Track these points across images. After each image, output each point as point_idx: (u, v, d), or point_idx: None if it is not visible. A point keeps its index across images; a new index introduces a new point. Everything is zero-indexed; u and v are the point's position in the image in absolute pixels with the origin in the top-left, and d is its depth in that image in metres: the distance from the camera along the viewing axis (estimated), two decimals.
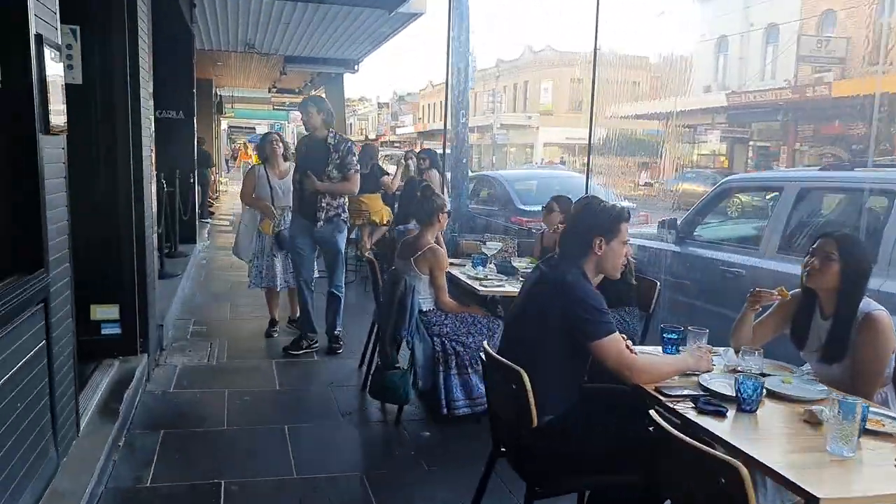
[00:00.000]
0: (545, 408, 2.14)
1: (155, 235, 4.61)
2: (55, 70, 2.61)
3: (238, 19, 9.45)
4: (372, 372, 3.91)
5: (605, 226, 2.26)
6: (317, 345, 4.88)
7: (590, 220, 2.28)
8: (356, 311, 6.12)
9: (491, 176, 8.79)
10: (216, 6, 8.71)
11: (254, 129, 39.37)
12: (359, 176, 4.78)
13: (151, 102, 4.70)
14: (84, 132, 3.74)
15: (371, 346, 4.36)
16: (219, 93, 20.46)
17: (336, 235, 4.79)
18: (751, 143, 25.91)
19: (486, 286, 3.82)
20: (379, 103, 62.09)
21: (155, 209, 4.68)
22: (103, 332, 3.84)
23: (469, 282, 3.93)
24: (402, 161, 8.42)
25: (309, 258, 4.89)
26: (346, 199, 4.89)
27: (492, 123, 38.02)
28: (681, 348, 2.52)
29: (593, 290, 2.18)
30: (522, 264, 3.92)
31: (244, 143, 34.35)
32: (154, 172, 4.63)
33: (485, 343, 2.39)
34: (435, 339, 3.69)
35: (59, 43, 2.69)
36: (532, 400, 2.07)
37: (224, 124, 27.42)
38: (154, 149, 4.68)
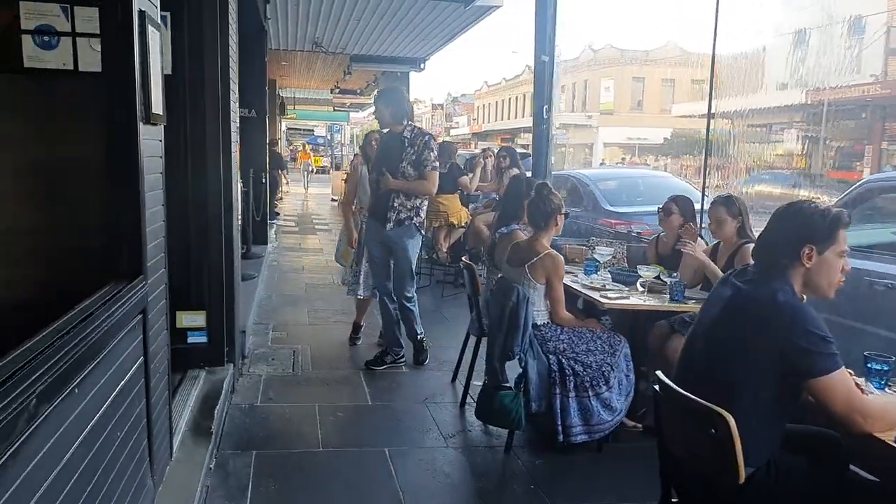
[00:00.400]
0: (745, 457, 1.72)
1: (239, 237, 4.36)
2: (156, 52, 2.33)
3: (308, 16, 9.29)
4: (479, 391, 3.53)
5: (818, 232, 1.82)
6: (403, 360, 4.51)
7: (799, 225, 1.84)
8: (435, 318, 5.79)
9: (572, 175, 8.30)
10: (288, 2, 8.54)
11: (312, 130, 39.86)
12: (437, 174, 4.27)
13: (237, 98, 4.46)
14: (172, 126, 3.50)
15: (470, 360, 3.99)
16: (280, 94, 20.59)
17: (405, 240, 4.29)
18: (831, 142, 24.53)
19: (608, 297, 3.39)
20: (433, 104, 62.05)
21: (240, 209, 4.44)
22: (189, 340, 3.58)
23: (587, 292, 3.51)
24: (480, 160, 8.03)
25: (384, 265, 4.46)
26: (424, 202, 4.37)
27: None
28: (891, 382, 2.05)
29: (813, 312, 1.74)
30: (650, 273, 3.46)
31: (303, 145, 34.73)
32: (239, 171, 4.39)
33: (660, 374, 1.98)
34: (550, 356, 3.29)
35: (160, 23, 2.41)
36: (740, 451, 1.65)
37: (283, 126, 27.71)
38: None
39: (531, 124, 5.51)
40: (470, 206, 7.75)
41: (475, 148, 27.12)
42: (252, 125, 8.45)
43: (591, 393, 3.24)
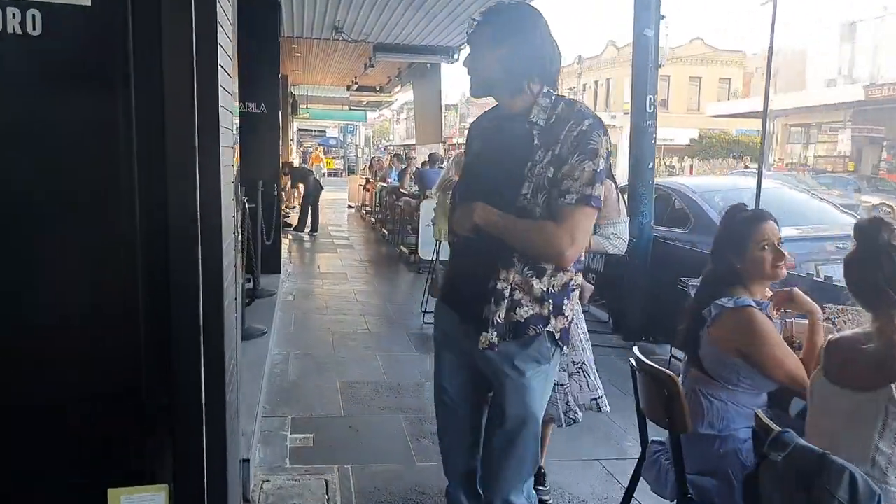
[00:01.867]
0: None
1: (239, 308, 2.60)
2: None
3: None
4: None
5: None
6: None
7: None
8: None
9: (668, 186, 6.51)
10: None
11: (323, 131, 38.26)
12: (591, 213, 1.82)
13: (236, 77, 2.69)
14: (91, 113, 1.76)
15: None
16: (293, 91, 18.87)
17: (528, 368, 1.90)
18: (888, 142, 22.64)
19: None
20: (445, 105, 60.44)
21: (237, 261, 2.68)
22: None
23: None
24: None
25: (467, 415, 2.12)
26: (573, 278, 1.95)
27: None
28: None
29: None
30: None
31: (315, 147, 33.13)
32: (237, 196, 2.63)
33: None
34: None
35: None
36: None
37: (294, 126, 26.03)
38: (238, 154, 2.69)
39: None
40: None
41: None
42: (262, 123, 6.71)
43: None
